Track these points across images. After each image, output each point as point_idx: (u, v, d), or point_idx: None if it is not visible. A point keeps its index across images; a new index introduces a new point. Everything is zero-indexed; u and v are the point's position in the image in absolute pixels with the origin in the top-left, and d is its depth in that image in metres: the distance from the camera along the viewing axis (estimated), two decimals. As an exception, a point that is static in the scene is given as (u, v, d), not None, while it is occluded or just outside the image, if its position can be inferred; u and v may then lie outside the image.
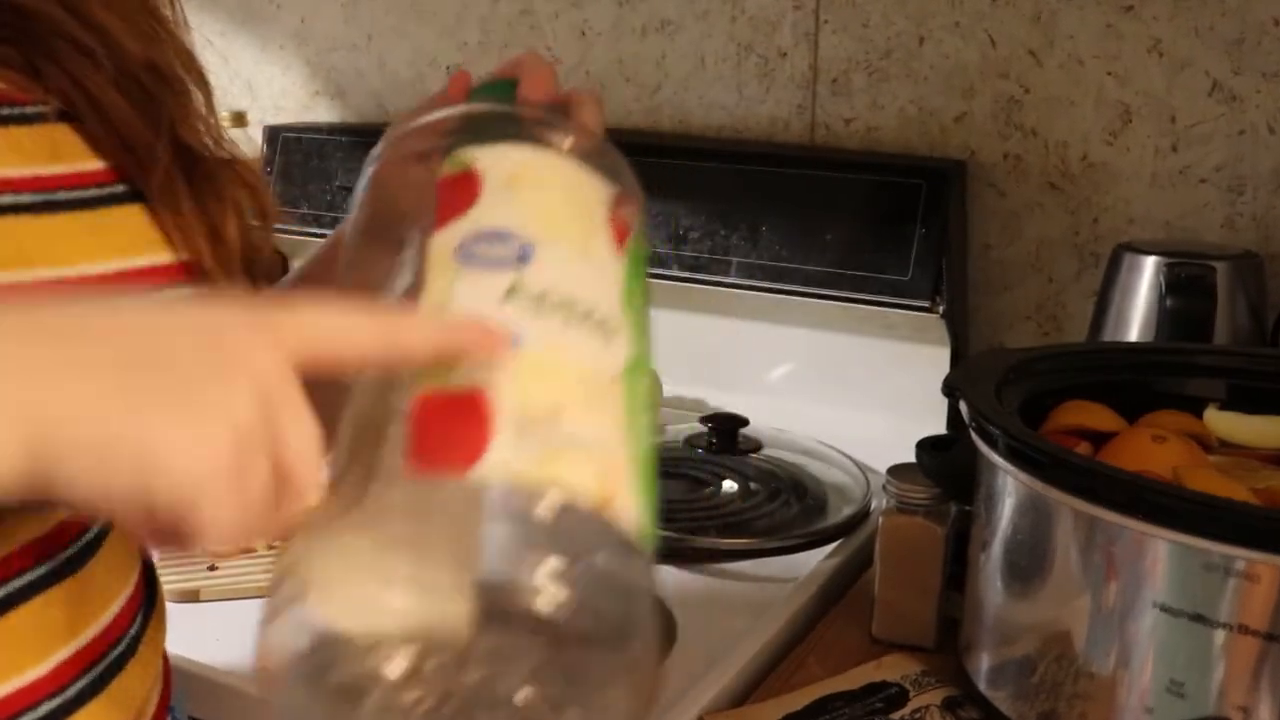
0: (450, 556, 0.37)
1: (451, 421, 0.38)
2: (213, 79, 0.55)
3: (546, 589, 0.36)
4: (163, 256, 0.49)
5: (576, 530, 0.38)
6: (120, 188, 0.49)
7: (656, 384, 1.23)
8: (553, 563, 0.36)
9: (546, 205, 0.44)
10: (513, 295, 0.40)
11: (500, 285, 0.41)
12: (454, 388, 0.39)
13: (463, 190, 0.44)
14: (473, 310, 0.40)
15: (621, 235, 0.46)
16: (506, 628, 0.36)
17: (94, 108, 0.48)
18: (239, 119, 1.44)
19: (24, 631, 0.46)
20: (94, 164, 0.48)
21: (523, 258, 0.41)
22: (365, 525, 0.38)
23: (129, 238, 0.48)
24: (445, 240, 0.43)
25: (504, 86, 0.54)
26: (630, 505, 0.39)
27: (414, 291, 0.42)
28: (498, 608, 0.36)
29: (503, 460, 0.37)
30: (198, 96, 0.54)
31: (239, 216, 0.53)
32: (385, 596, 0.36)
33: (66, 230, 0.46)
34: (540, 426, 0.38)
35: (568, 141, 0.48)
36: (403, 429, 0.39)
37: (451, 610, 0.36)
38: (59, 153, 0.47)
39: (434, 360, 0.39)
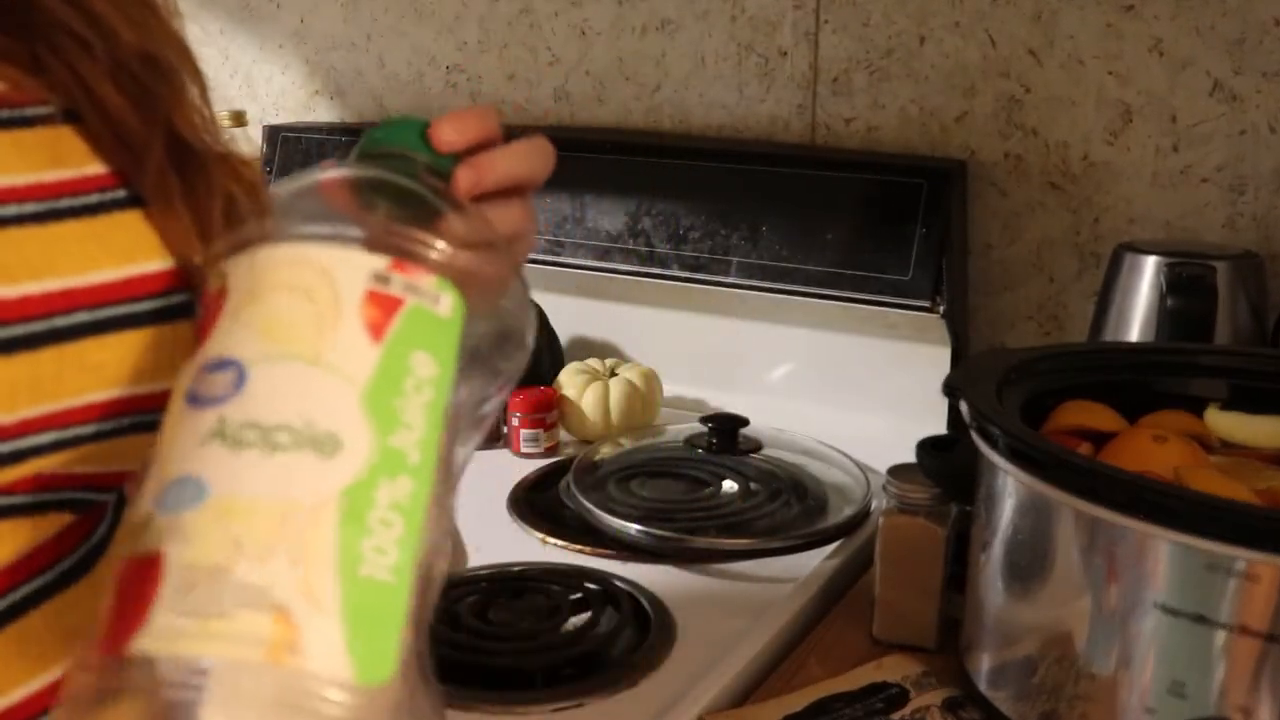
0: None
1: (126, 593, 0.36)
2: (212, 78, 0.55)
3: None
4: (164, 262, 0.49)
5: (263, 689, 0.35)
6: (121, 193, 0.49)
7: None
8: None
9: (276, 314, 0.40)
10: (214, 435, 0.38)
11: (206, 426, 0.38)
12: (141, 551, 0.37)
13: (210, 314, 0.42)
14: (174, 463, 0.38)
15: (386, 314, 0.41)
16: None
17: (91, 101, 0.48)
18: (238, 118, 1.44)
19: (41, 635, 0.46)
20: (95, 168, 0.48)
21: (237, 385, 0.39)
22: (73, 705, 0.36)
23: (131, 244, 0.48)
24: (182, 380, 0.41)
25: (399, 131, 0.50)
26: (328, 641, 0.36)
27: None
28: None
29: (157, 631, 0.35)
30: (193, 89, 0.53)
31: (231, 211, 0.52)
32: None
33: (70, 239, 0.46)
34: (202, 585, 0.35)
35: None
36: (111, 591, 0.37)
37: None
38: (60, 157, 0.47)
39: (137, 521, 0.37)
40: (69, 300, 0.45)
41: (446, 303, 0.43)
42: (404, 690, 0.38)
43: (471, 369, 0.48)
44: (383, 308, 0.41)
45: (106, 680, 0.36)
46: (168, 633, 0.35)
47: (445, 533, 0.45)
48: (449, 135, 0.50)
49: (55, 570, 0.47)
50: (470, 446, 0.49)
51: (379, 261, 0.42)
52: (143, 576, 0.36)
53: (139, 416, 0.48)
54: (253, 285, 0.41)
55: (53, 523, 0.47)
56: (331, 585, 0.37)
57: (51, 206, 0.46)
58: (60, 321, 0.44)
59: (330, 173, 0.47)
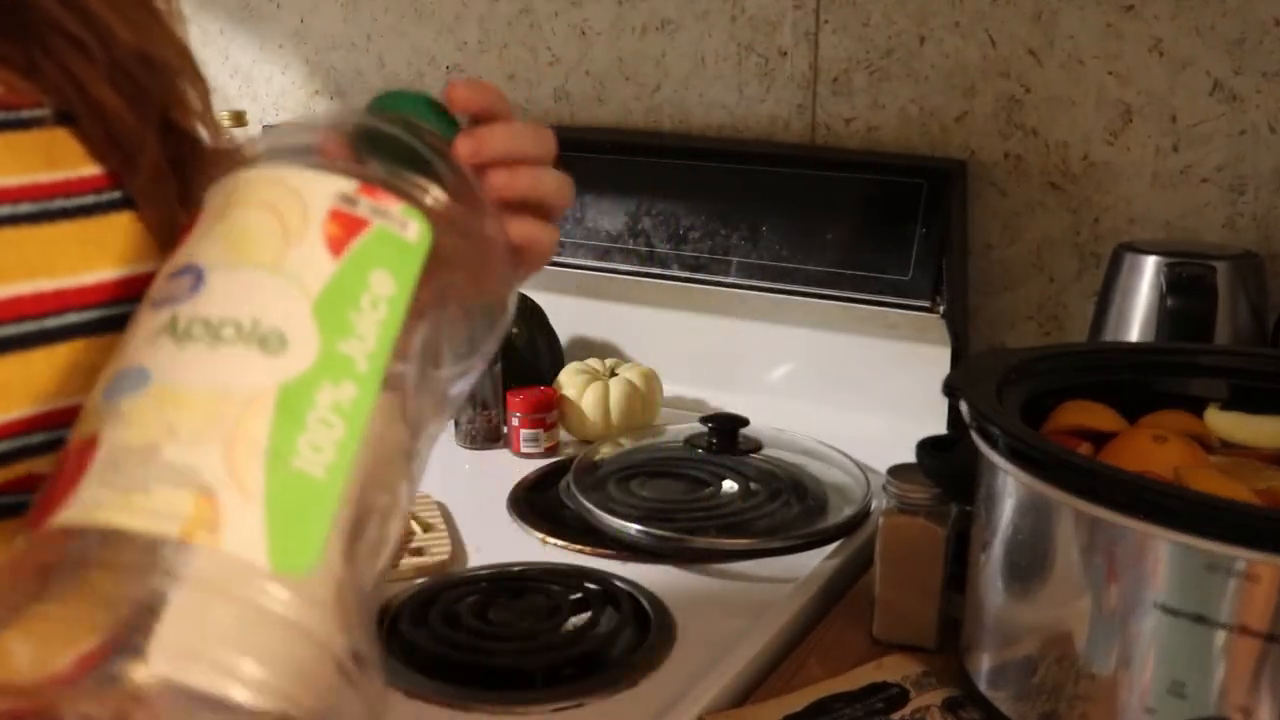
0: (65, 608, 0.35)
1: (61, 472, 0.38)
2: (212, 78, 0.55)
3: (149, 647, 0.34)
4: (156, 264, 0.49)
5: (180, 566, 0.35)
6: (117, 194, 0.49)
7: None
8: (149, 612, 0.34)
9: (243, 226, 0.42)
10: (163, 330, 0.39)
11: (157, 322, 0.40)
12: (79, 436, 0.38)
13: (185, 229, 0.44)
14: (123, 356, 0.39)
15: (348, 232, 0.43)
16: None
17: (86, 103, 0.48)
18: (238, 118, 1.44)
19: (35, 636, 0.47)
20: (90, 169, 0.48)
21: (194, 288, 0.40)
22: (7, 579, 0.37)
23: (126, 246, 0.48)
24: (154, 284, 0.42)
25: (407, 101, 0.50)
26: (248, 526, 0.36)
27: None
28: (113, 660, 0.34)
29: (75, 506, 0.36)
30: (193, 89, 0.53)
31: None
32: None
33: (64, 240, 0.46)
34: (129, 463, 0.36)
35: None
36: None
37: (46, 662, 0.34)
38: (55, 159, 0.47)
39: (85, 411, 0.39)
40: (62, 301, 0.45)
41: (413, 229, 0.44)
42: (330, 594, 0.38)
43: (447, 343, 0.48)
44: (345, 226, 0.43)
45: (37, 554, 0.36)
46: (89, 504, 0.36)
47: (409, 499, 0.46)
48: (464, 92, 0.50)
49: None
50: (440, 423, 0.50)
51: (348, 184, 0.43)
52: (79, 458, 0.38)
53: None
54: (225, 203, 0.43)
55: None
56: (258, 473, 0.37)
57: (45, 207, 0.46)
58: (52, 322, 0.44)
59: (330, 119, 0.48)
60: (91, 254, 0.46)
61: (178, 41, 0.53)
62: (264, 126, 1.49)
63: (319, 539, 0.38)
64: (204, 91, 0.54)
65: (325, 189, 0.43)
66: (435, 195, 0.45)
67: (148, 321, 0.40)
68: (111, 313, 0.46)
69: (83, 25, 0.48)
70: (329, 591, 0.38)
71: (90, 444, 0.37)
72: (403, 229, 0.44)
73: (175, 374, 0.38)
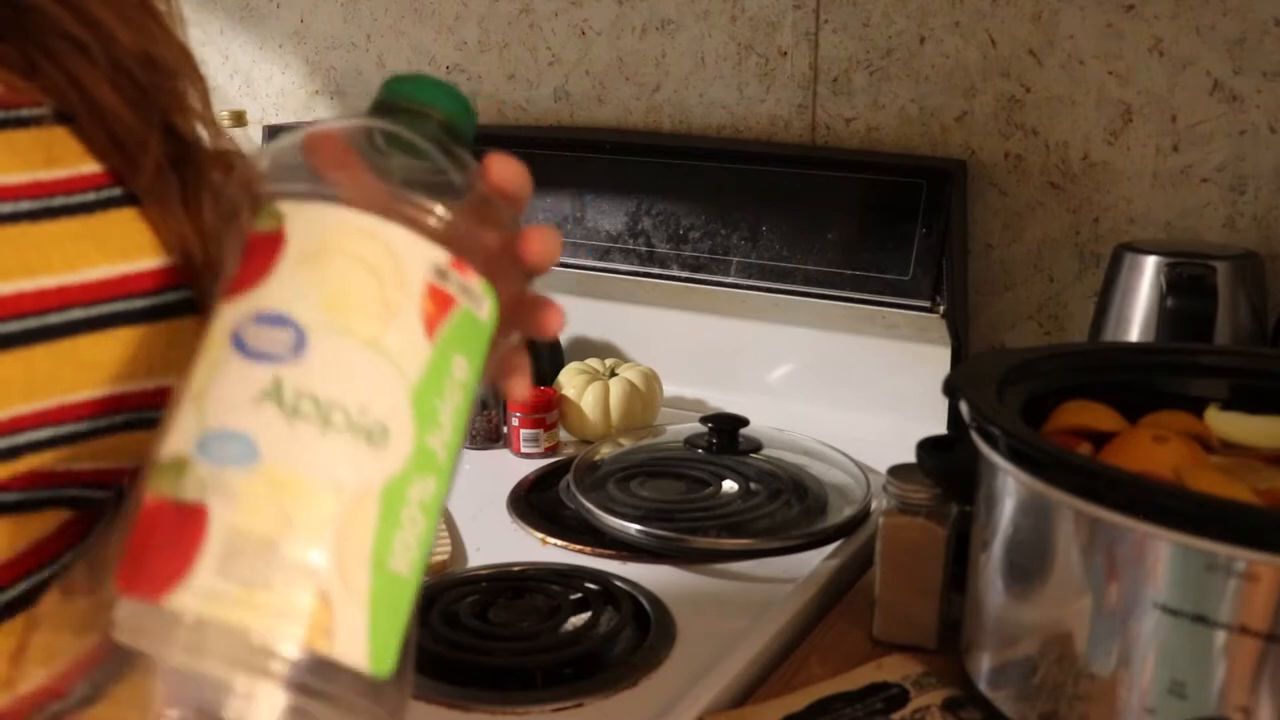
0: (157, 681, 0.35)
1: (163, 538, 0.36)
2: (212, 78, 0.55)
3: None
4: (159, 260, 0.49)
5: (290, 666, 0.36)
6: (117, 191, 0.49)
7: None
8: (259, 709, 0.35)
9: (343, 285, 0.40)
10: (268, 396, 0.38)
11: (259, 383, 0.38)
12: (181, 498, 0.37)
13: (262, 256, 0.41)
14: (222, 411, 0.38)
15: (441, 312, 0.41)
16: None
17: (88, 104, 0.48)
18: (238, 118, 1.44)
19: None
20: (90, 167, 0.48)
21: (296, 349, 0.38)
22: (91, 623, 0.37)
23: (127, 242, 0.48)
24: (228, 315, 0.40)
25: (422, 88, 0.47)
26: (356, 632, 0.37)
27: (190, 364, 0.40)
28: None
29: (200, 591, 0.35)
30: (193, 91, 0.53)
31: (231, 209, 0.52)
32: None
33: (65, 237, 0.46)
34: (252, 553, 0.36)
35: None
36: (132, 522, 0.37)
37: None
38: (55, 157, 0.47)
39: (173, 459, 0.37)
40: (63, 297, 0.45)
41: (487, 308, 0.43)
42: (399, 686, 0.39)
43: None
44: (439, 305, 0.41)
45: (134, 620, 0.36)
46: (211, 594, 0.35)
47: None
48: (502, 171, 0.47)
49: (53, 566, 0.47)
50: None
51: (442, 256, 0.41)
52: (182, 526, 0.36)
53: (135, 414, 0.48)
54: (317, 244, 0.40)
55: (50, 519, 0.47)
56: (365, 575, 0.37)
57: (46, 205, 0.46)
58: (53, 318, 0.44)
59: (355, 122, 0.46)
60: (91, 250, 0.46)
61: (178, 42, 0.53)
62: (264, 128, 1.49)
63: (400, 637, 0.39)
64: (204, 92, 0.54)
65: (422, 257, 0.41)
66: (486, 241, 0.44)
67: (240, 371, 0.38)
68: (113, 309, 0.46)
69: (83, 27, 0.48)
70: (398, 683, 0.39)
71: (197, 515, 0.36)
72: (479, 308, 0.43)
73: (287, 456, 0.37)
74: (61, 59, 0.48)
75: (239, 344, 0.39)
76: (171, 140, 0.51)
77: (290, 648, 0.35)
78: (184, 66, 0.53)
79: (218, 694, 0.35)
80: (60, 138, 0.48)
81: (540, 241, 0.46)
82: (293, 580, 0.36)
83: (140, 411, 0.48)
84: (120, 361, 0.46)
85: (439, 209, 0.42)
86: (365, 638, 0.37)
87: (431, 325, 0.41)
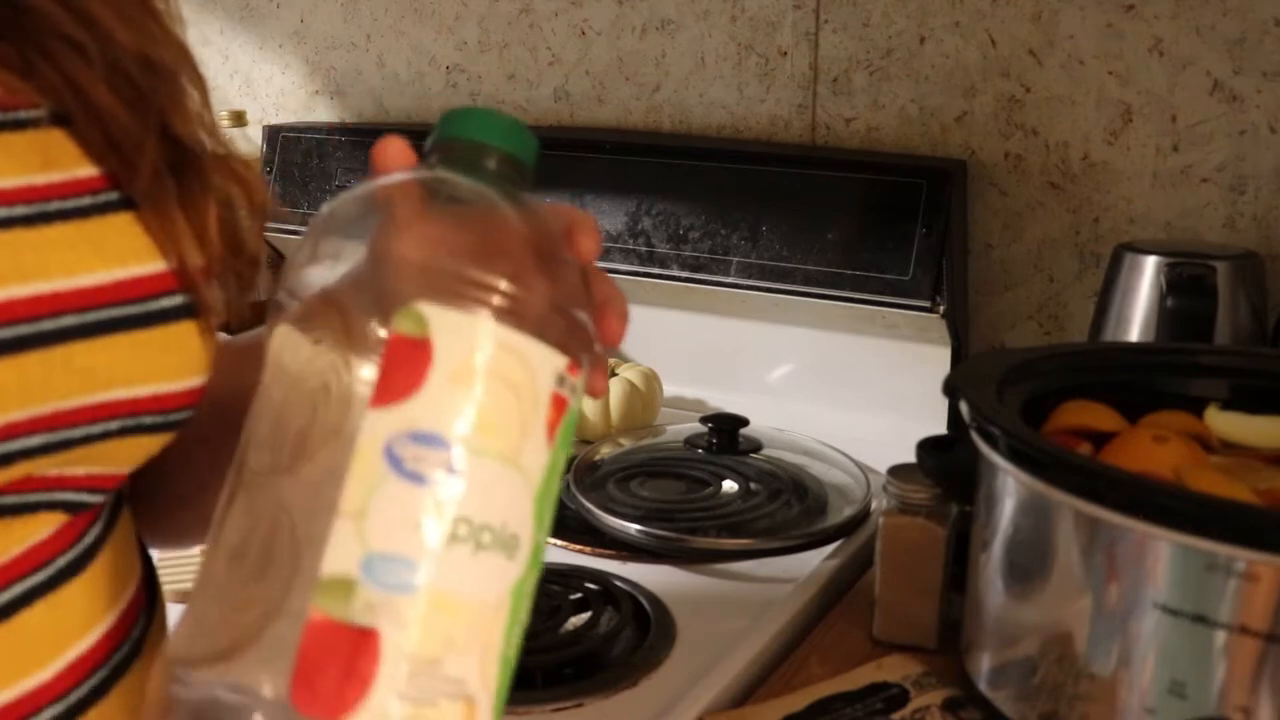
0: None
1: (337, 660, 0.38)
2: (212, 79, 0.55)
3: None
4: (155, 265, 0.49)
5: None
6: (114, 195, 0.48)
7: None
8: None
9: (490, 404, 0.41)
10: (428, 519, 0.39)
11: (419, 506, 0.39)
12: (349, 622, 0.38)
13: (410, 365, 0.41)
14: (385, 536, 0.39)
15: (558, 416, 0.43)
16: None
17: (84, 106, 0.48)
18: (238, 118, 1.44)
19: (33, 634, 0.46)
20: (87, 170, 0.48)
21: (450, 470, 0.40)
22: (220, 691, 0.39)
23: (123, 247, 0.48)
24: (378, 428, 0.40)
25: (487, 124, 0.46)
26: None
27: (336, 470, 0.41)
28: None
29: (376, 712, 0.38)
30: (192, 91, 0.53)
31: (229, 213, 0.52)
32: None
33: (60, 242, 0.45)
34: (423, 674, 0.38)
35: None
36: (296, 637, 0.39)
37: None
38: (51, 160, 0.47)
39: (338, 579, 0.39)
40: (56, 304, 0.44)
41: (579, 399, 0.45)
42: None
43: None
44: (557, 410, 0.43)
45: None
46: (384, 713, 0.38)
47: None
48: (589, 244, 0.48)
49: (48, 570, 0.47)
50: None
51: (560, 362, 0.43)
52: (356, 649, 0.38)
53: (130, 420, 0.47)
54: (466, 361, 0.41)
55: (44, 523, 0.47)
56: (495, 673, 0.41)
57: (41, 209, 0.45)
58: (47, 325, 0.44)
59: (423, 174, 0.46)
60: (87, 256, 0.46)
61: (177, 42, 0.53)
62: (264, 128, 1.49)
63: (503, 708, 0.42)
64: (203, 92, 0.53)
65: (548, 367, 0.42)
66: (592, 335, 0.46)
67: (399, 493, 0.40)
68: (108, 315, 0.46)
69: (81, 27, 0.47)
70: None
71: (369, 640, 0.38)
72: (577, 399, 0.44)
73: (447, 579, 0.39)
74: (58, 59, 0.47)
75: (395, 462, 0.40)
76: (170, 144, 0.50)
77: None
78: (183, 67, 0.52)
79: None
80: (57, 140, 0.47)
81: (617, 321, 0.49)
82: (451, 693, 0.39)
83: (137, 418, 0.48)
84: (116, 368, 0.46)
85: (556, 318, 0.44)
86: None
87: (551, 431, 0.43)
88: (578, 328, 0.46)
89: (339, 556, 0.39)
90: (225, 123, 1.43)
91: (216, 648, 0.40)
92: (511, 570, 0.41)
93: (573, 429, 0.45)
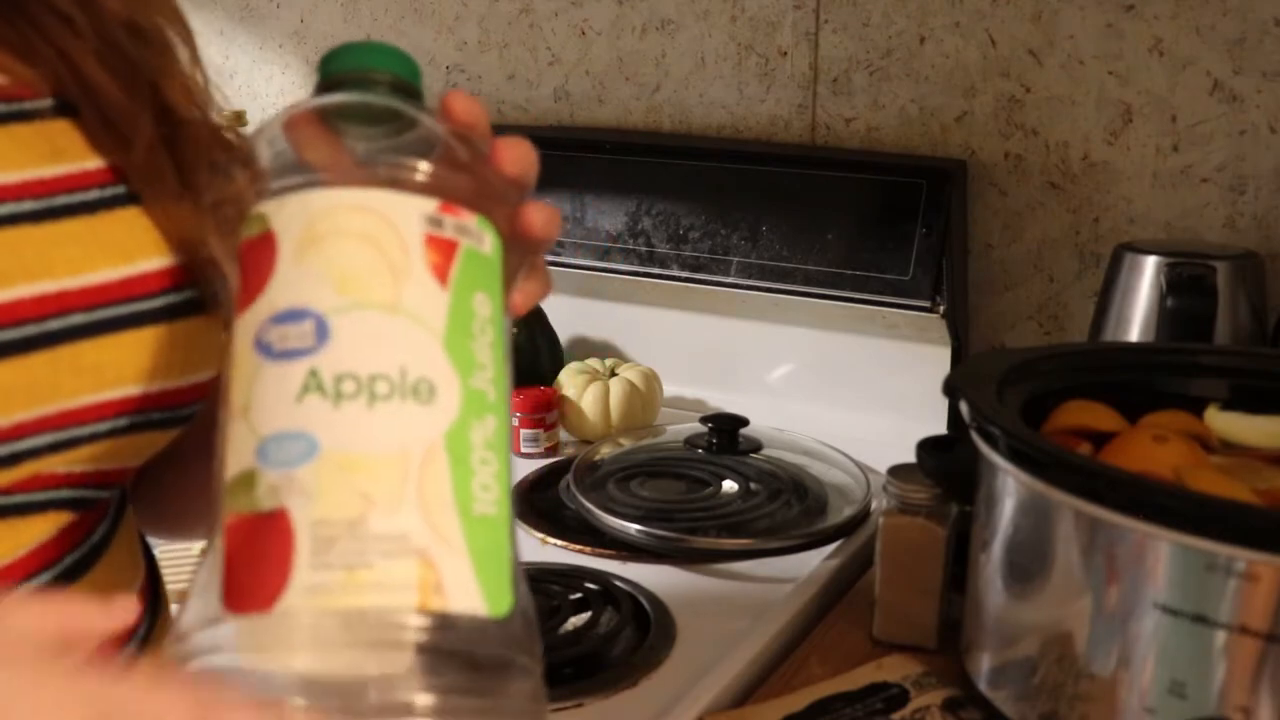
0: (288, 686, 0.36)
1: (254, 551, 0.37)
2: (213, 79, 0.54)
3: (399, 703, 0.35)
4: (163, 260, 0.49)
5: (405, 633, 0.37)
6: (121, 189, 0.48)
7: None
8: (396, 678, 0.36)
9: (344, 262, 0.40)
10: (308, 390, 0.38)
11: (296, 380, 0.38)
12: (258, 509, 0.37)
13: (259, 260, 0.41)
14: (271, 417, 0.38)
15: (446, 258, 0.42)
16: None
17: (79, 81, 0.47)
18: (238, 118, 1.44)
19: None
20: (94, 162, 0.48)
21: (320, 336, 0.39)
22: (209, 644, 0.37)
23: (131, 243, 0.48)
24: (245, 327, 0.40)
25: (364, 54, 0.46)
26: (464, 580, 0.38)
27: (224, 386, 0.40)
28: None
29: (306, 588, 0.36)
30: (183, 52, 0.52)
31: (220, 182, 0.51)
32: None
33: (68, 239, 0.45)
34: (341, 539, 0.36)
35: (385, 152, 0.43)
36: (220, 548, 0.38)
37: None
38: (59, 151, 0.47)
39: (239, 476, 0.38)
40: (63, 302, 0.44)
41: (488, 241, 0.44)
42: (520, 622, 0.40)
43: None
44: (442, 252, 0.41)
45: (251, 638, 0.36)
46: (318, 589, 0.36)
47: None
48: (463, 105, 0.47)
49: (56, 568, 0.47)
50: None
51: (429, 204, 0.42)
52: (269, 534, 0.37)
53: (139, 416, 0.47)
54: (309, 232, 0.41)
55: (52, 521, 0.47)
56: (456, 526, 0.38)
57: (49, 204, 0.45)
58: (54, 324, 0.44)
59: (313, 103, 0.45)
60: (94, 253, 0.46)
61: (167, 3, 0.52)
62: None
63: (509, 575, 0.39)
64: (192, 49, 0.52)
65: (412, 212, 0.41)
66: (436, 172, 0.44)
67: (274, 374, 0.39)
68: (117, 313, 0.46)
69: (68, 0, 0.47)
70: (520, 620, 0.40)
71: (279, 520, 0.37)
72: (481, 243, 0.43)
73: (346, 438, 0.38)
74: (50, 34, 0.47)
75: (265, 350, 0.39)
76: (165, 119, 0.50)
77: (408, 615, 0.36)
78: (173, 26, 0.52)
79: (356, 690, 0.36)
80: (64, 131, 0.47)
81: (514, 151, 0.46)
82: (390, 551, 0.37)
83: (146, 414, 0.48)
84: (125, 366, 0.46)
85: (413, 163, 0.42)
86: (475, 584, 0.38)
87: (441, 273, 0.41)
88: (455, 174, 0.44)
89: (237, 455, 0.38)
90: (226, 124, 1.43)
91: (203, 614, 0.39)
92: (435, 417, 0.39)
93: (485, 271, 0.43)
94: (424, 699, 0.36)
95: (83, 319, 0.45)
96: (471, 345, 0.41)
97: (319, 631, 0.36)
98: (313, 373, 0.38)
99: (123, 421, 0.47)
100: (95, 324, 0.45)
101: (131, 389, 0.47)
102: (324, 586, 0.36)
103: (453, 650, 0.37)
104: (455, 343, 0.41)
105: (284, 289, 0.40)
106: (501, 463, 0.41)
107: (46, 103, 0.47)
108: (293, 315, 0.39)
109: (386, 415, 0.38)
